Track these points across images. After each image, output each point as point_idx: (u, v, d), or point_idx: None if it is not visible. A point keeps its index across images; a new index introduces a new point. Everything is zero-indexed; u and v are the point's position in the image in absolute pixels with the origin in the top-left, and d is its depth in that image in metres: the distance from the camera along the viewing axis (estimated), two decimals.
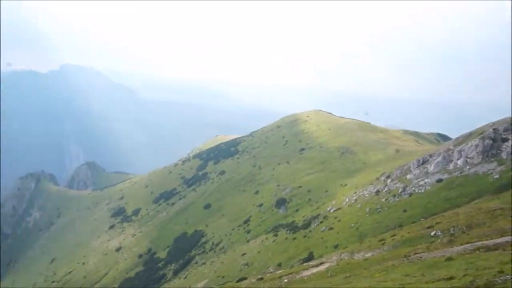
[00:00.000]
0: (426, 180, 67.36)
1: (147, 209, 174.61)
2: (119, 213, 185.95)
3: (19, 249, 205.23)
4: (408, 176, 73.28)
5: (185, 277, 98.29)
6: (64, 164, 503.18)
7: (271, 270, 65.84)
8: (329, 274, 34.20)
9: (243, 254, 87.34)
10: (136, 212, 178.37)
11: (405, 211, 62.48)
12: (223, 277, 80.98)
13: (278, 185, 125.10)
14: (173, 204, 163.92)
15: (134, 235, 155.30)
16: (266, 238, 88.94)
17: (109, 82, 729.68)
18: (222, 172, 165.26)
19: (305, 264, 49.85)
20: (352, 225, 67.82)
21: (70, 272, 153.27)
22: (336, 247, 62.35)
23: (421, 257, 28.79)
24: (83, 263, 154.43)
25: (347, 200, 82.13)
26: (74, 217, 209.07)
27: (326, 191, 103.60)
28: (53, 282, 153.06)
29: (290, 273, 40.74)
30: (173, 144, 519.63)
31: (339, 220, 73.71)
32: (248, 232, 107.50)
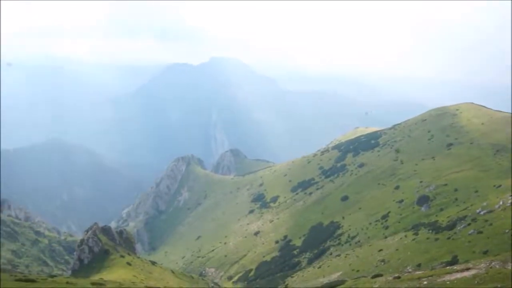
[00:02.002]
0: None
1: (285, 197, 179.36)
2: (259, 199, 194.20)
3: (171, 224, 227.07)
4: None
5: (319, 267, 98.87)
6: (211, 150, 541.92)
7: (409, 270, 62.73)
8: (476, 282, 31.36)
9: (379, 250, 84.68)
10: (274, 199, 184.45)
11: None
12: (357, 271, 79.62)
13: (421, 182, 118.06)
14: (310, 193, 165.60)
15: (272, 221, 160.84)
16: (405, 236, 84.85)
17: (252, 73, 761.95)
18: (361, 165, 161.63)
19: (448, 267, 46.40)
20: (506, 230, 60.98)
21: (213, 250, 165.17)
22: (485, 253, 56.80)
23: None
24: (225, 243, 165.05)
25: (501, 203, 74.06)
26: (218, 199, 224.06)
27: (476, 191, 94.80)
28: (198, 257, 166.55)
29: (431, 276, 38.33)
30: (311, 134, 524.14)
31: (490, 224, 66.92)
32: (386, 228, 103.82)
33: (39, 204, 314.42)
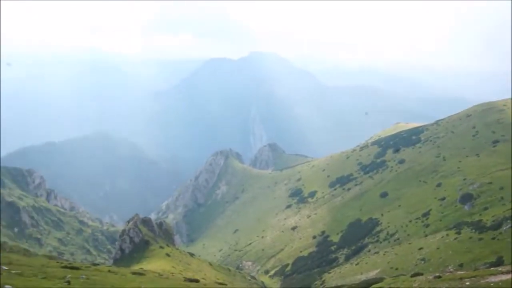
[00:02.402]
0: None
1: (322, 192, 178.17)
2: (296, 194, 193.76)
3: (209, 217, 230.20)
4: None
5: (357, 264, 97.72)
6: (249, 144, 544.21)
7: (451, 270, 60.96)
8: None
9: (419, 249, 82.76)
10: (312, 194, 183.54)
11: None
12: (396, 269, 78.23)
13: (465, 179, 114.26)
14: (348, 189, 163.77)
15: (309, 216, 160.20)
16: (447, 235, 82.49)
17: (291, 67, 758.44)
18: (402, 161, 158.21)
19: (492, 269, 44.79)
20: None
21: (250, 243, 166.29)
22: None
23: None
24: (262, 237, 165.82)
25: None
26: (255, 194, 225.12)
27: None
28: (236, 250, 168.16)
29: (474, 276, 37.08)
30: (350, 129, 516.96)
31: None
32: (427, 226, 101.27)
33: (83, 195, 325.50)
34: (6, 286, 18.61)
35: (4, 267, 27.52)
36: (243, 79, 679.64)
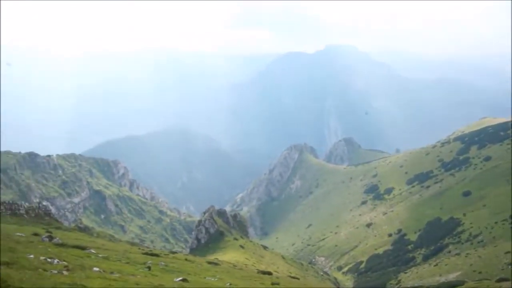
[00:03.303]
0: None
1: (400, 189, 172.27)
2: (372, 190, 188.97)
3: (282, 211, 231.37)
4: None
5: (436, 265, 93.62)
6: (324, 138, 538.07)
7: None
8: None
9: (506, 252, 77.54)
10: (388, 191, 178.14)
11: None
12: (479, 272, 73.95)
13: None
14: (428, 187, 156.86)
15: (385, 213, 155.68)
16: None
17: (369, 60, 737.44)
18: (487, 158, 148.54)
19: None
20: None
21: (323, 239, 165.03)
22: None
23: None
24: (335, 233, 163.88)
25: None
26: (330, 189, 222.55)
27: None
28: (308, 245, 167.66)
29: None
30: (430, 124, 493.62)
31: None
32: None
33: (162, 185, 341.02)
34: (95, 268, 20.05)
35: (92, 251, 29.66)
36: (318, 73, 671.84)
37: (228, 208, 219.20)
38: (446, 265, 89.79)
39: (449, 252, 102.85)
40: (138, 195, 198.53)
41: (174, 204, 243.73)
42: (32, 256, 19.72)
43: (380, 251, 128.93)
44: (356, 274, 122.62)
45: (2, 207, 50.04)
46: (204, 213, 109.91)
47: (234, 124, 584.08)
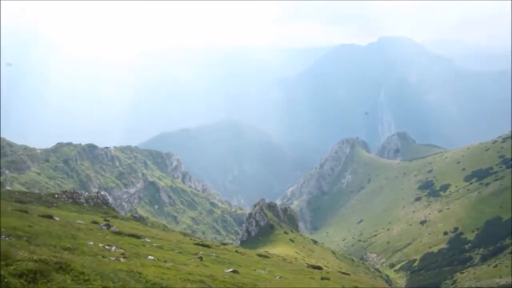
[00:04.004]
0: None
1: (456, 186, 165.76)
2: (427, 186, 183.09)
3: (333, 206, 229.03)
4: None
5: (495, 266, 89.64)
6: (376, 131, 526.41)
7: None
8: None
9: None
10: (444, 187, 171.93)
11: None
12: None
13: None
14: (487, 184, 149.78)
15: (441, 210, 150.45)
16: None
17: (424, 52, 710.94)
18: None
19: None
20: None
21: (375, 235, 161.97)
22: None
23: None
24: (388, 229, 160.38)
25: None
26: (382, 184, 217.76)
27: None
28: (359, 241, 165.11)
29: None
30: (492, 118, 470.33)
31: None
32: None
33: (214, 178, 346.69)
34: (149, 257, 20.69)
35: (147, 240, 30.68)
36: (371, 65, 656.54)
37: (278, 202, 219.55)
38: (506, 267, 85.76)
39: (510, 253, 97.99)
40: (190, 187, 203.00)
41: (225, 197, 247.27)
42: (91, 243, 20.62)
43: (435, 249, 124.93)
44: (409, 272, 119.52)
45: (64, 196, 52.82)
46: (255, 206, 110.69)
47: (284, 118, 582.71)
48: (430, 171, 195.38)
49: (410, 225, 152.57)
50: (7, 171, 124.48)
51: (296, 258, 69.21)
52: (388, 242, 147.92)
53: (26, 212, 28.75)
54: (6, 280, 8.70)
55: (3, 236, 16.22)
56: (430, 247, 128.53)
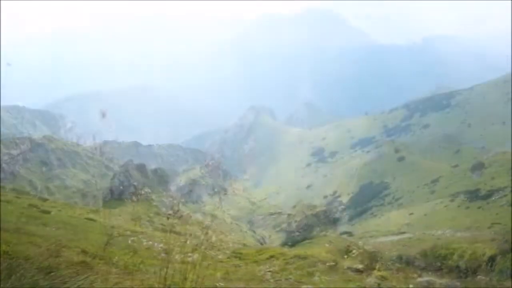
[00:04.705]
0: None
1: (343, 153, 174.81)
2: (318, 153, 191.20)
3: (233, 172, 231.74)
4: None
5: (353, 225, 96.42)
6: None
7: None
8: None
9: (410, 214, 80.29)
10: (332, 154, 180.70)
11: None
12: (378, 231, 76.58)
13: (483, 147, 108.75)
14: (368, 152, 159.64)
15: (325, 176, 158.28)
16: (441, 202, 79.32)
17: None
18: (426, 126, 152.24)
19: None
20: None
21: (265, 198, 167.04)
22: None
23: None
24: (277, 193, 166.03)
25: None
26: (281, 151, 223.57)
27: None
28: (252, 205, 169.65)
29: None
30: None
31: None
32: (432, 192, 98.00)
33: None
34: None
35: None
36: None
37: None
38: (360, 225, 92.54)
39: (371, 213, 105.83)
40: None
41: None
42: None
43: (313, 211, 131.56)
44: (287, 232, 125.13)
45: None
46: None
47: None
48: (324, 139, 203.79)
49: (297, 189, 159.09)
50: None
51: None
52: (275, 205, 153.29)
53: None
54: None
55: None
56: (311, 209, 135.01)
